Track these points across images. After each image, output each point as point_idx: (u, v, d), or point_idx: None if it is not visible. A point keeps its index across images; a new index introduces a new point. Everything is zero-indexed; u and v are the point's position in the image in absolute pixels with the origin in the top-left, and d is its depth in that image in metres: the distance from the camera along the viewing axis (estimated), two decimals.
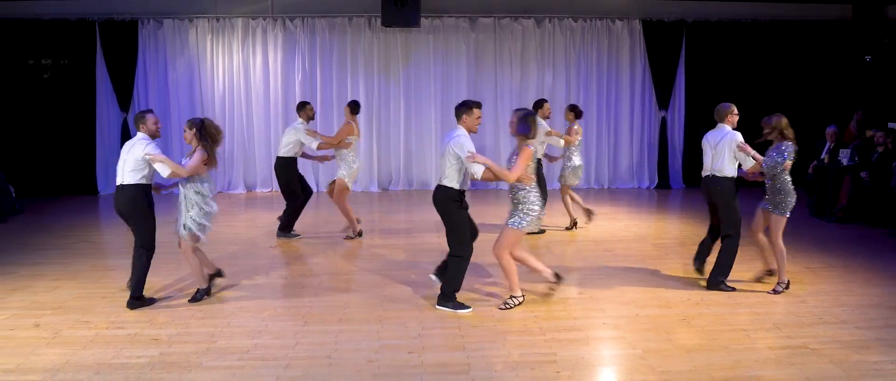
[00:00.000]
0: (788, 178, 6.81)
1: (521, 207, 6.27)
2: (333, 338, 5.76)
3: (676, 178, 14.42)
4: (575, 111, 9.72)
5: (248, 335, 5.84)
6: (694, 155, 14.06)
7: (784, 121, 6.77)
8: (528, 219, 6.27)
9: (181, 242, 6.56)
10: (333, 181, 9.39)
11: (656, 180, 14.37)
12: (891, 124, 11.76)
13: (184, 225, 6.47)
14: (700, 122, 14.10)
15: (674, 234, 10.00)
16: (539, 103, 9.69)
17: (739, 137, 6.93)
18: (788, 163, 6.70)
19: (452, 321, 6.15)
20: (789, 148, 6.70)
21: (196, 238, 6.54)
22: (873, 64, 13.67)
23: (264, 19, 13.40)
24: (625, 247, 9.03)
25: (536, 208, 6.28)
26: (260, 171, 13.76)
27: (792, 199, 6.79)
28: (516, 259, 6.49)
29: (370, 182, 13.82)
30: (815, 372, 5.07)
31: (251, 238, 9.58)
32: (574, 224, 10.04)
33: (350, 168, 9.17)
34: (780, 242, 6.84)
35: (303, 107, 9.45)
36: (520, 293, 6.52)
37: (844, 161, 11.09)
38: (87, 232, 10.05)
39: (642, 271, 7.88)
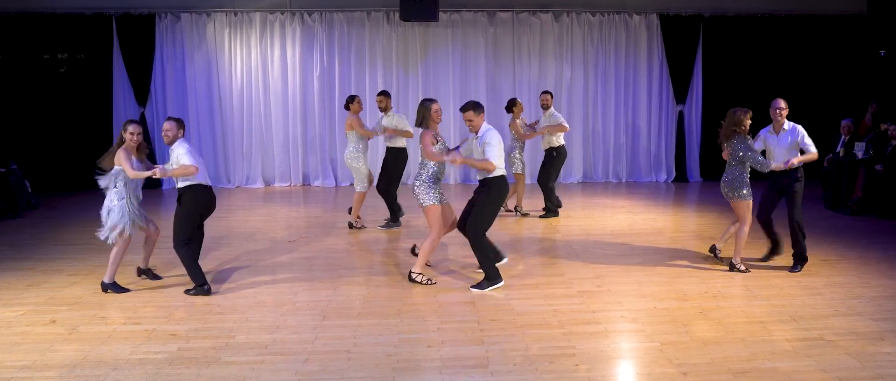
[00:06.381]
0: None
1: None
2: (352, 332, 5.75)
3: (694, 172, 14.35)
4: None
5: (266, 329, 5.82)
6: (711, 149, 14.03)
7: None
8: None
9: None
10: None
11: (674, 174, 14.29)
12: None
13: None
14: (717, 116, 13.99)
15: (691, 227, 9.94)
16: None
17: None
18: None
19: (471, 315, 6.13)
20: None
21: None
22: (888, 58, 13.55)
23: (282, 14, 13.41)
24: (643, 241, 8.97)
25: None
26: (278, 165, 13.73)
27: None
28: None
29: None
30: (831, 364, 5.03)
31: (269, 233, 9.58)
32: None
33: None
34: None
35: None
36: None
37: (859, 154, 11.00)
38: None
39: (660, 264, 7.83)
